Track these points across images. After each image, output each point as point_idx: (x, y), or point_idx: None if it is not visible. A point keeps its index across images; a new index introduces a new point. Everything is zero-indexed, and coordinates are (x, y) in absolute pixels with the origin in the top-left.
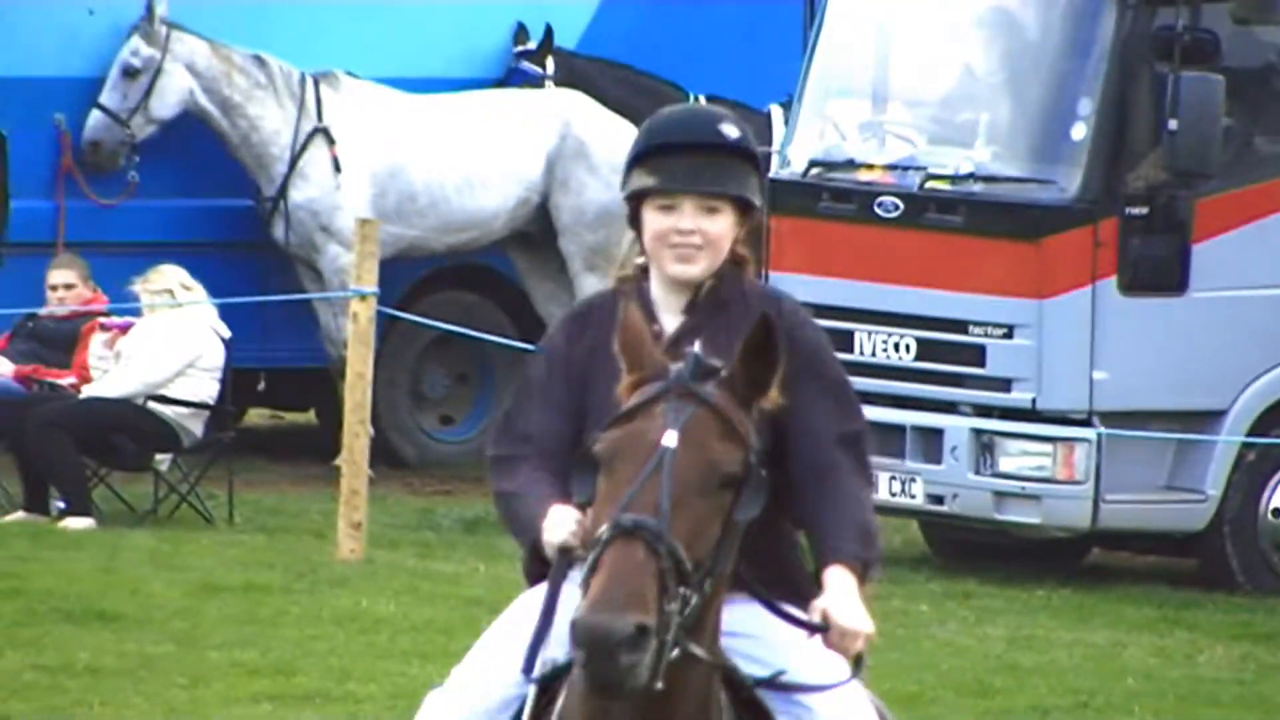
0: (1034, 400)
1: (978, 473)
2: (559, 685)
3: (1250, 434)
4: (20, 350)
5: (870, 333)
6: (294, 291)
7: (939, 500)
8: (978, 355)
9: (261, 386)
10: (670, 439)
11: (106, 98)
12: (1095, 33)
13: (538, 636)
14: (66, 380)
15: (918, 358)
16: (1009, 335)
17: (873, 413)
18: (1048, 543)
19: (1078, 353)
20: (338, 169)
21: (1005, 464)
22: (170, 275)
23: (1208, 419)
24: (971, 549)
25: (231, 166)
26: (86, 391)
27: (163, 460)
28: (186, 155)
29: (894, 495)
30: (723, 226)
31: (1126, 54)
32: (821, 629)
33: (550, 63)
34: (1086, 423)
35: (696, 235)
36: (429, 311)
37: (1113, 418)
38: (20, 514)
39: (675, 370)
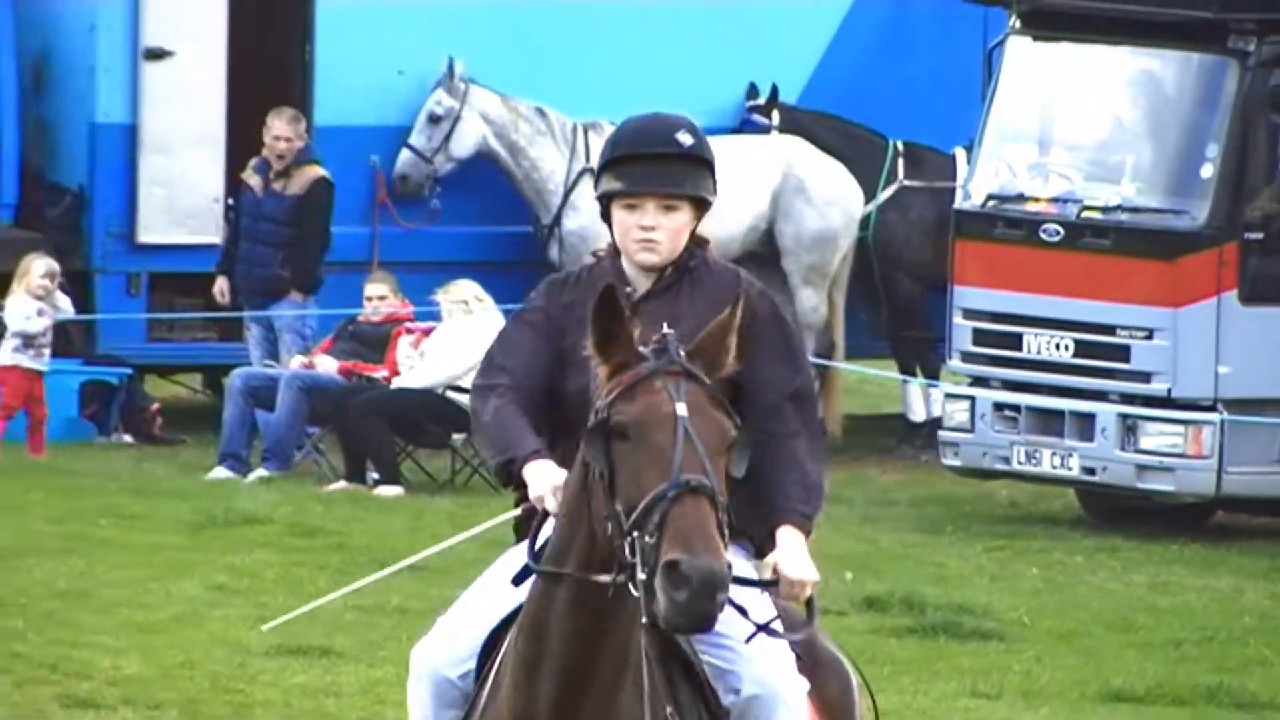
0: (1169, 390)
1: (1123, 449)
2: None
3: None
4: (342, 349)
5: (1036, 335)
6: None
7: (1091, 472)
8: (1124, 353)
9: None
10: (681, 409)
11: (414, 139)
12: (1221, 90)
13: (531, 555)
14: (380, 374)
15: (1075, 355)
16: (1149, 337)
17: (1036, 400)
18: (1180, 507)
19: (1205, 351)
20: None
21: (1145, 442)
22: (466, 288)
23: None
24: (1118, 512)
25: (515, 199)
26: (396, 383)
27: (459, 438)
28: (479, 189)
29: (1054, 468)
30: (680, 221)
31: (1247, 107)
32: (773, 583)
33: (775, 115)
34: (1212, 408)
35: (657, 230)
36: None
37: (1234, 404)
38: (342, 483)
39: (654, 351)
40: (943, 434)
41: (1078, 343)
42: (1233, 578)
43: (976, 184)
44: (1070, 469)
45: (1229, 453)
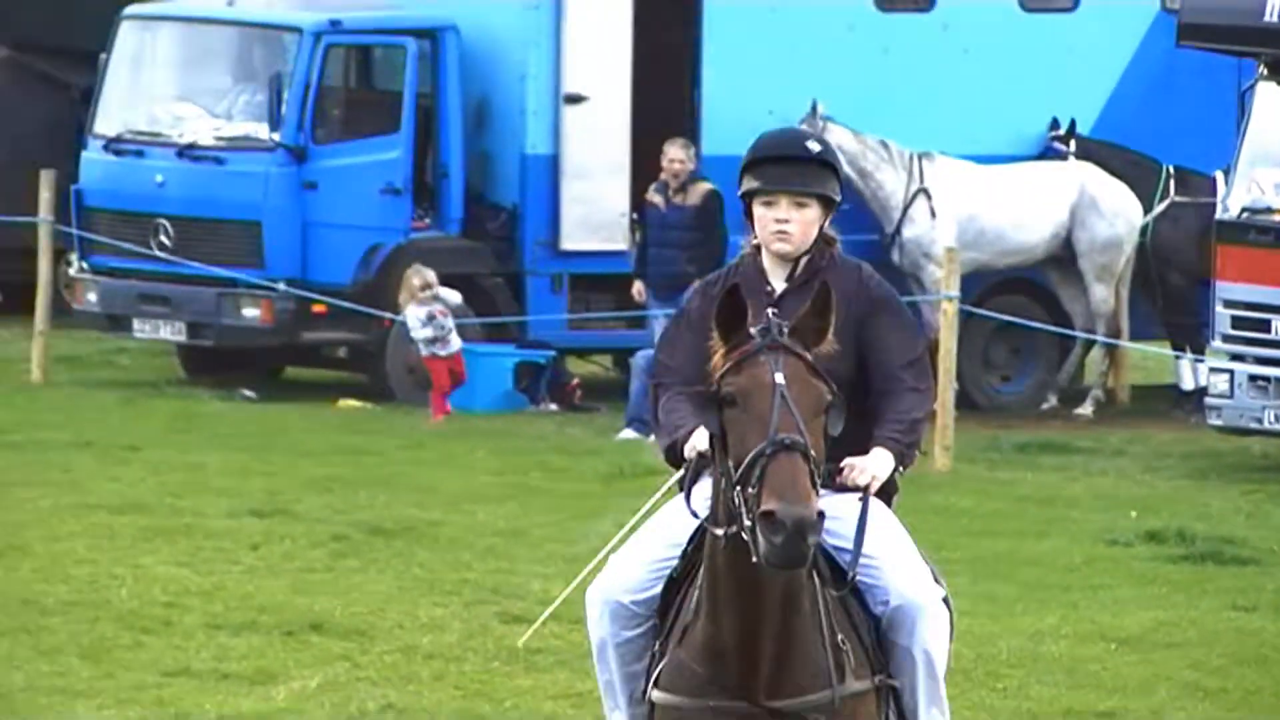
0: None
1: None
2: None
3: None
4: None
5: None
6: (904, 295)
7: None
8: None
9: None
10: (780, 379)
11: None
12: None
13: (687, 499)
14: None
15: None
16: None
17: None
18: None
19: None
20: (933, 215)
21: None
22: None
23: None
24: None
25: (863, 213)
26: None
27: None
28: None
29: None
30: (810, 216)
31: None
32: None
33: (1072, 144)
34: None
35: (790, 223)
36: (993, 308)
37: None
38: None
39: (760, 332)
40: (1208, 400)
41: None
42: None
43: (1233, 200)
44: None
45: None
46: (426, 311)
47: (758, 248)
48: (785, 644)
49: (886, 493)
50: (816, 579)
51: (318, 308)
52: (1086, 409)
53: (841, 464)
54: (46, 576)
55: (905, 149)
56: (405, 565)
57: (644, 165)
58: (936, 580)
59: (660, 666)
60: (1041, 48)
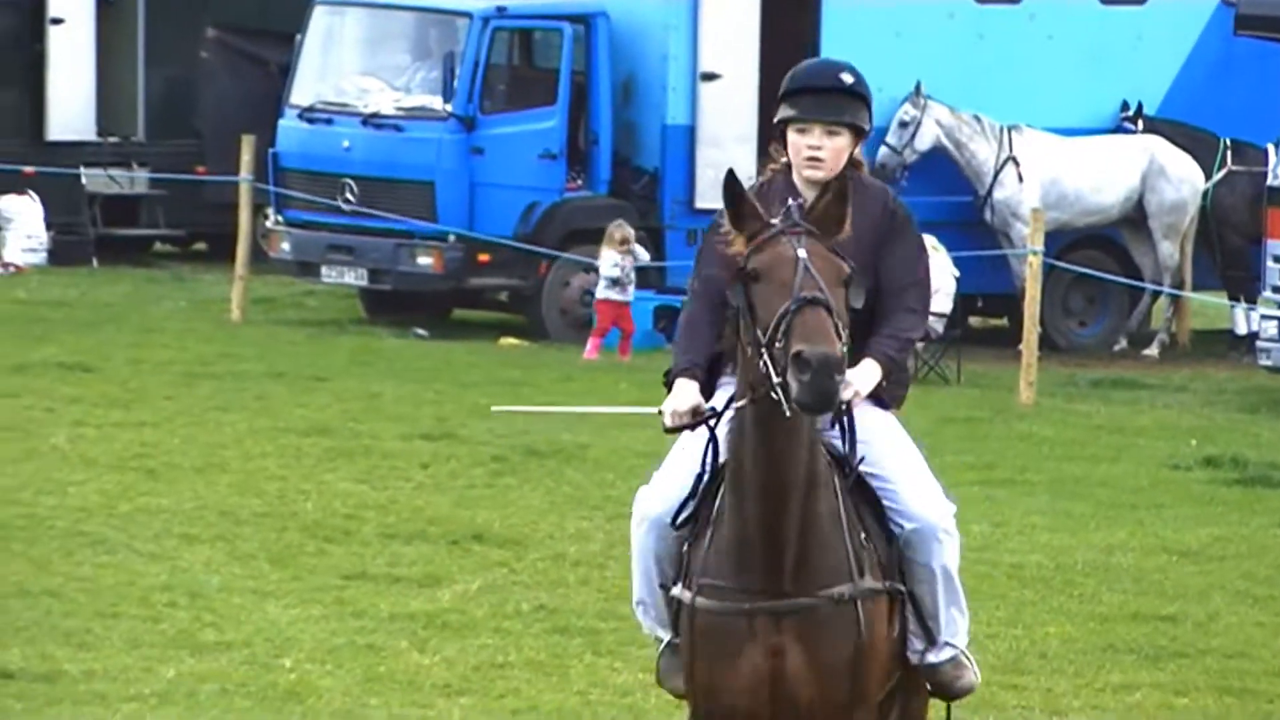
0: None
1: None
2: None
3: None
4: None
5: None
6: (994, 251)
7: None
8: None
9: (980, 305)
10: (802, 254)
11: (890, 138)
12: None
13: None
14: None
15: None
16: None
17: None
18: None
19: None
20: (1021, 180)
21: None
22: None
23: None
24: None
25: (959, 179)
26: None
27: (919, 345)
28: (934, 171)
29: None
30: (840, 144)
31: None
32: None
33: (1140, 123)
34: None
35: (822, 150)
36: (1073, 261)
37: None
38: None
39: (782, 217)
40: (1259, 343)
41: None
42: None
43: None
44: None
45: None
46: (618, 257)
47: (787, 164)
48: (808, 535)
49: (890, 398)
50: (836, 479)
51: (483, 257)
52: (1153, 350)
53: None
54: (241, 491)
55: (996, 122)
56: (556, 483)
57: (769, 135)
58: (946, 497)
59: (687, 565)
60: (1115, 36)
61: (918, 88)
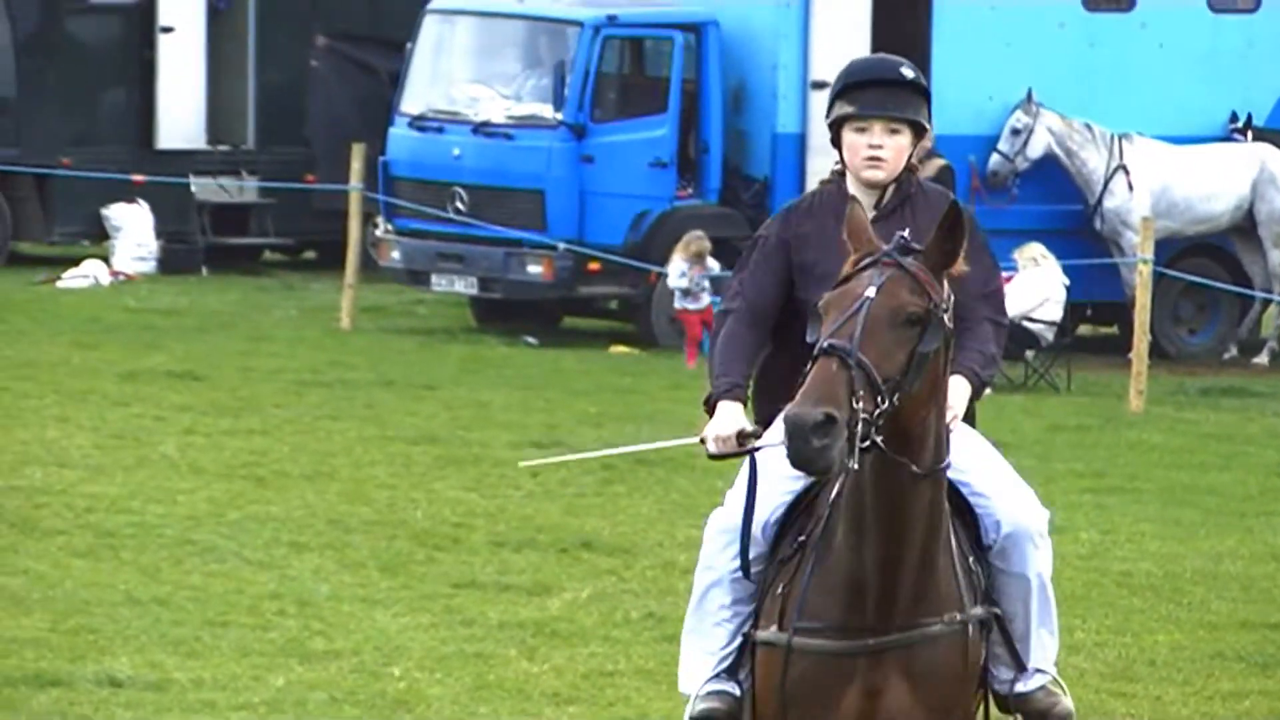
0: None
1: None
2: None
3: None
4: None
5: None
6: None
7: None
8: None
9: (1089, 313)
10: (871, 291)
11: (1002, 146)
12: None
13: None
14: None
15: None
16: None
17: None
18: None
19: None
20: (1131, 189)
21: None
22: (1035, 248)
23: None
24: None
25: (1069, 186)
26: None
27: (1029, 354)
28: (1044, 179)
29: None
30: (902, 143)
31: None
32: None
33: (1249, 134)
34: None
35: (884, 149)
36: (1182, 269)
37: None
38: None
39: (884, 249)
40: None
41: None
42: None
43: None
44: None
45: None
46: (685, 266)
47: (839, 174)
48: (926, 570)
49: (967, 419)
50: (945, 499)
51: (593, 265)
52: (1263, 358)
53: None
54: (351, 499)
55: (1107, 131)
56: (665, 491)
57: None
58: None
59: (782, 610)
60: (1226, 43)
61: (1029, 95)
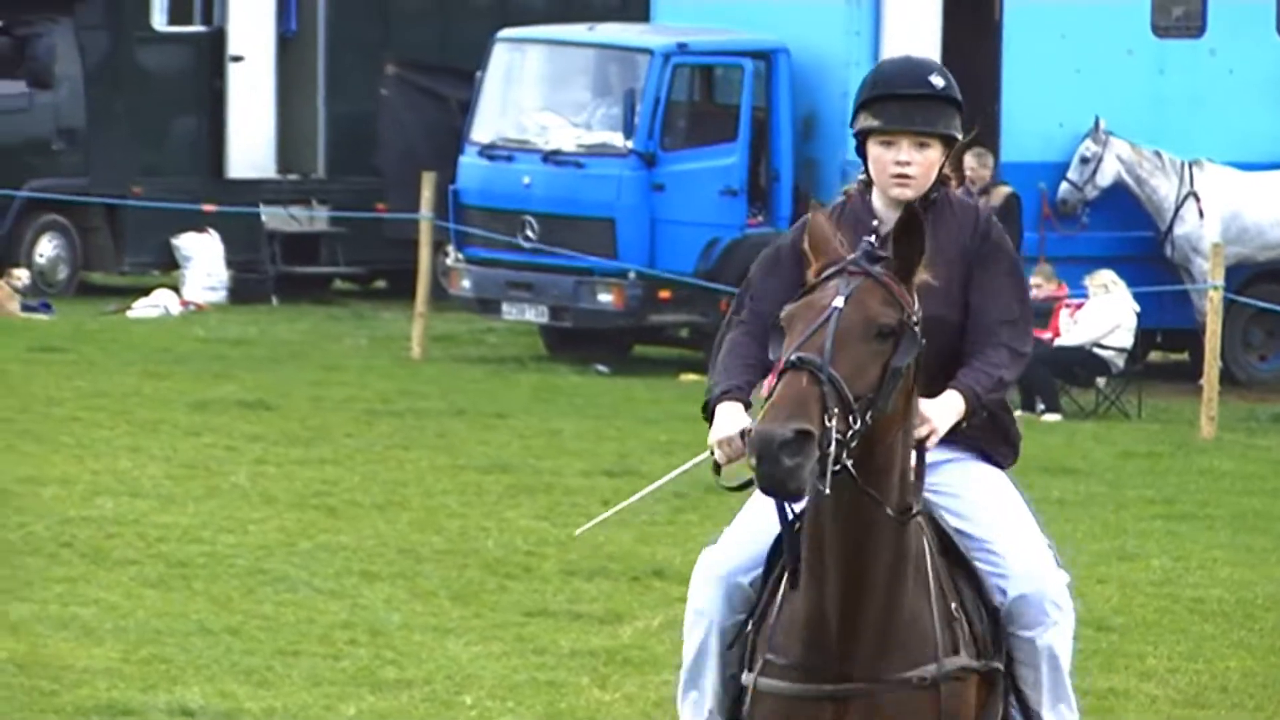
0: None
1: None
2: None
3: None
4: None
5: None
6: (1175, 285)
7: None
8: None
9: (1160, 339)
10: (839, 301)
11: (1071, 175)
12: None
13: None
14: (1045, 335)
15: None
16: None
17: None
18: None
19: None
20: (1201, 215)
21: None
22: (1105, 275)
23: None
24: None
25: (1139, 213)
26: (1058, 343)
27: (1100, 381)
28: (1114, 206)
29: None
30: (932, 157)
31: None
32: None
33: None
34: None
35: (912, 166)
36: (1253, 295)
37: None
38: (1019, 412)
39: (849, 256)
40: None
41: None
42: None
43: None
44: None
45: None
46: None
47: (865, 183)
48: (892, 615)
49: (999, 455)
50: (927, 543)
51: (664, 293)
52: None
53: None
54: (422, 528)
55: (1177, 158)
56: None
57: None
58: (1058, 565)
59: (754, 647)
60: None
61: (1097, 124)
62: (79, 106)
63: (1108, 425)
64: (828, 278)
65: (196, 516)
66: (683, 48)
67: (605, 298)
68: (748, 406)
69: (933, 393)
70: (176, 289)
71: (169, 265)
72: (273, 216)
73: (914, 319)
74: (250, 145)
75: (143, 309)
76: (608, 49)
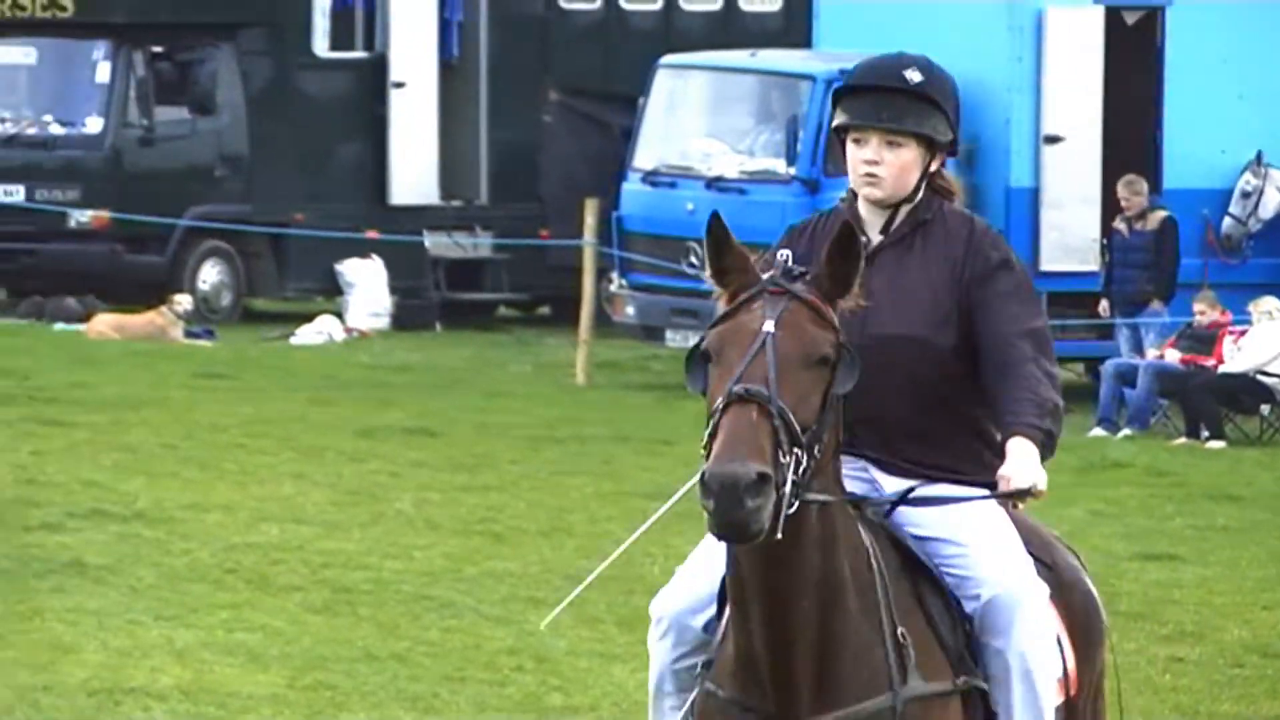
0: None
1: None
2: None
3: None
4: (1183, 345)
5: None
6: None
7: None
8: None
9: None
10: (769, 325)
11: (1233, 209)
12: None
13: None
14: (1210, 362)
15: None
16: None
17: None
18: None
19: None
20: None
21: None
22: (1269, 302)
23: None
24: None
25: None
26: (1221, 370)
27: (1265, 408)
28: (1272, 235)
29: None
30: (905, 158)
31: None
32: (993, 489)
33: None
34: None
35: (880, 165)
36: None
37: None
38: (1183, 439)
39: (767, 276)
40: None
41: None
42: None
43: None
44: None
45: None
46: None
47: (855, 194)
48: (829, 646)
49: (978, 481)
50: (878, 567)
51: None
52: None
53: (996, 477)
54: (587, 554)
55: None
56: None
57: (1111, 197)
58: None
59: (695, 692)
60: None
61: (1259, 157)
62: (241, 133)
63: (1272, 452)
64: (748, 299)
65: (361, 543)
66: (844, 74)
67: None
68: None
69: (926, 425)
70: (340, 315)
71: (333, 291)
72: (436, 243)
73: (845, 340)
74: (412, 171)
75: (307, 335)
76: (770, 75)
